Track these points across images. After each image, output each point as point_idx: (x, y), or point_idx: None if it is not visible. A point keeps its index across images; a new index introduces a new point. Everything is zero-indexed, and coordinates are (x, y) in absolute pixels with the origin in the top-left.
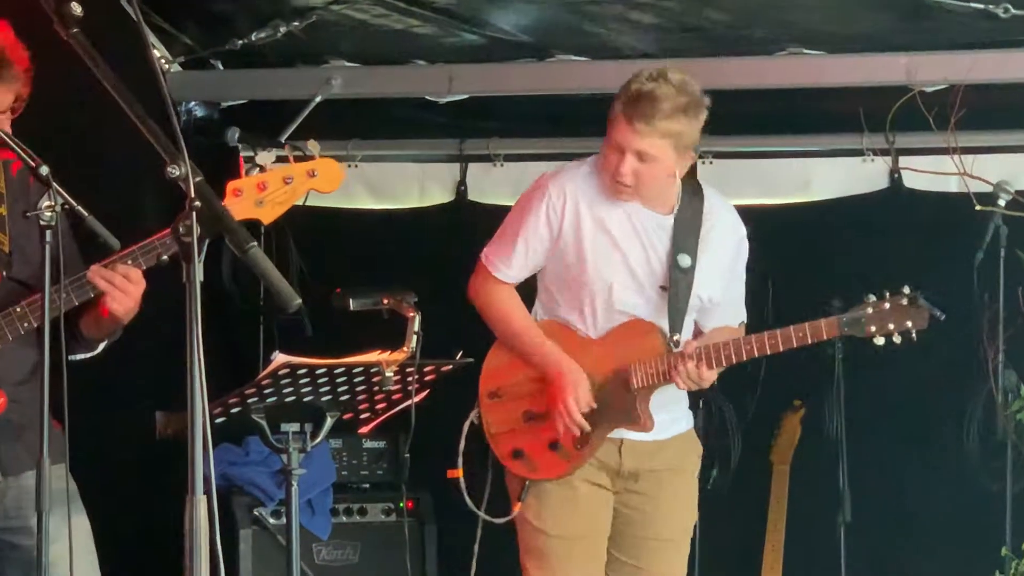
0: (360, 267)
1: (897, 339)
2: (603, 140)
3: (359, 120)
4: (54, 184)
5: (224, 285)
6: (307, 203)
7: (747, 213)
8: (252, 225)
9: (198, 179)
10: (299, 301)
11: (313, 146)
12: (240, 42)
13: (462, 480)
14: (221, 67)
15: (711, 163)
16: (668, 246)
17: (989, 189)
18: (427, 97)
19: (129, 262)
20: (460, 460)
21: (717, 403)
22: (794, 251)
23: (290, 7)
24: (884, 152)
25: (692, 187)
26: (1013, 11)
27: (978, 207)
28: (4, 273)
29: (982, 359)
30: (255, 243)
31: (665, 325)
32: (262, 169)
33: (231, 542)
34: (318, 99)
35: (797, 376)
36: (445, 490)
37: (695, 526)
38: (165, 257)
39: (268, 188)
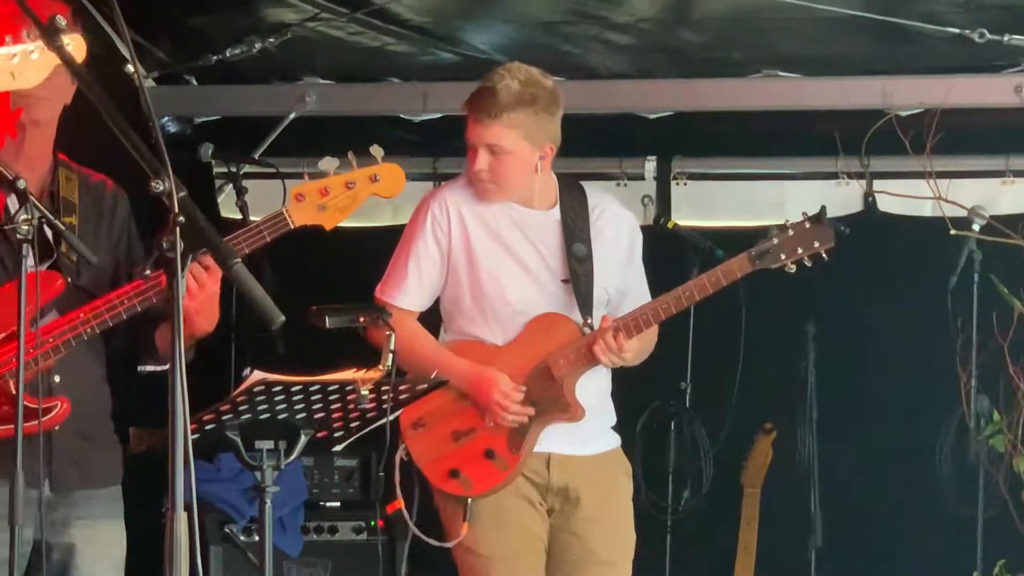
0: (332, 285)
1: (808, 262)
2: None
3: (333, 137)
4: (31, 198)
5: None
6: None
7: (721, 234)
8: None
9: (182, 194)
10: (283, 318)
11: (376, 151)
12: (215, 58)
13: (404, 511)
14: (195, 83)
15: (686, 184)
16: (559, 239)
17: (963, 214)
18: (401, 115)
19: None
20: (398, 491)
21: (689, 426)
22: (768, 274)
23: (265, 23)
24: (859, 175)
25: (569, 183)
26: (989, 36)
27: (953, 232)
28: (70, 280)
29: (955, 384)
30: (239, 259)
31: (576, 315)
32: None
33: (201, 559)
34: (292, 116)
35: (769, 399)
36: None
37: (665, 548)
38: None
39: (330, 193)
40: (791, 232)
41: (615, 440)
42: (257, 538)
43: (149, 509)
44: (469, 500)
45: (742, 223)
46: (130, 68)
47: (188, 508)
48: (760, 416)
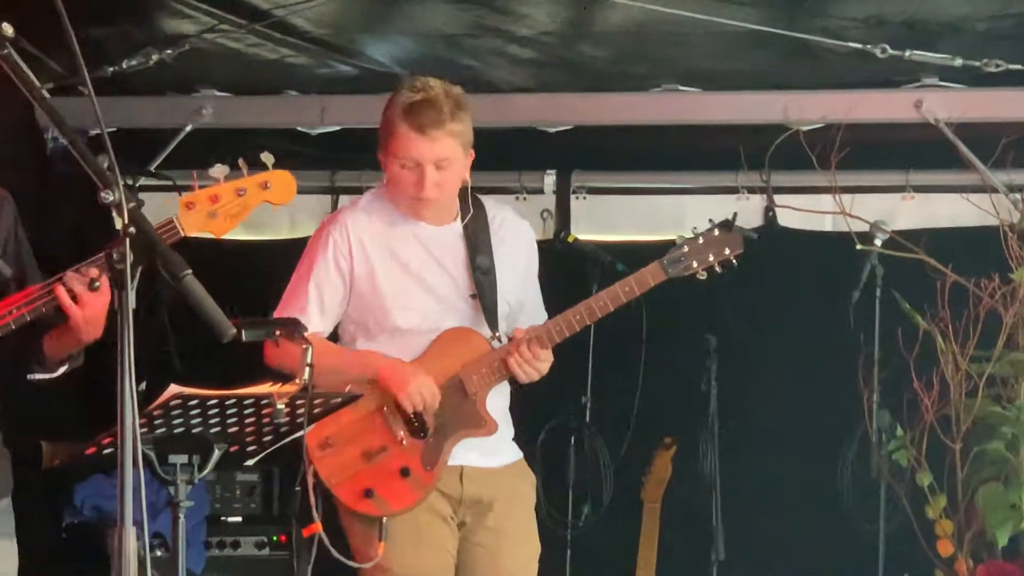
0: (230, 298)
1: (719, 269)
2: (387, 166)
3: (230, 150)
4: None
5: None
6: None
7: (621, 248)
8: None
9: (131, 205)
10: (234, 331)
11: (267, 158)
12: (111, 69)
13: (323, 534)
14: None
15: (585, 198)
16: (464, 253)
17: (866, 228)
18: (299, 128)
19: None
20: (315, 515)
21: (590, 441)
22: (668, 288)
23: (163, 35)
24: (760, 190)
25: (465, 195)
26: (891, 51)
27: (859, 246)
28: None
29: (858, 399)
30: (189, 271)
31: (484, 329)
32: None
33: (103, 575)
34: (188, 128)
35: (671, 414)
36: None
37: (566, 562)
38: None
39: (221, 200)
40: (701, 240)
41: (519, 452)
42: (159, 553)
43: (47, 524)
44: (384, 519)
45: (642, 237)
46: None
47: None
48: (661, 430)
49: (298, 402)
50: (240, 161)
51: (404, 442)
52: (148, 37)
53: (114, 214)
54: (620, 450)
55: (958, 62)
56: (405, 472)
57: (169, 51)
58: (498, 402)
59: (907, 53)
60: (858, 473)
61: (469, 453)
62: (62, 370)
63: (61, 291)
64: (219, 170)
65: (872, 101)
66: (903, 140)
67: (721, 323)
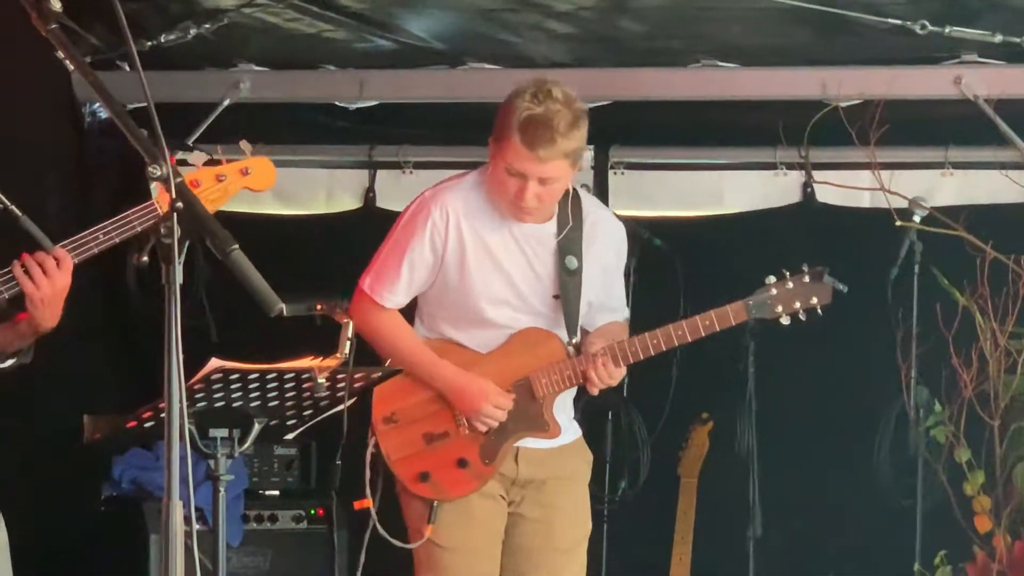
0: (266, 273)
1: (803, 316)
2: (493, 160)
3: (267, 124)
4: None
5: (128, 289)
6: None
7: (659, 225)
8: None
9: (179, 180)
10: (282, 305)
11: (245, 146)
12: (148, 44)
13: (373, 510)
14: (128, 69)
15: (623, 174)
16: (554, 253)
17: (904, 205)
18: (337, 102)
19: (100, 236)
20: (368, 490)
21: (627, 415)
22: (706, 264)
23: (201, 9)
24: (799, 166)
25: (567, 200)
26: (930, 28)
27: (898, 222)
28: None
29: (895, 375)
30: (236, 246)
31: (562, 333)
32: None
33: (142, 548)
34: (226, 103)
35: (708, 389)
36: (356, 497)
37: (603, 538)
38: (139, 228)
39: (201, 186)
40: (790, 285)
41: (577, 431)
42: (198, 526)
43: (88, 496)
44: (435, 503)
45: (680, 213)
46: (60, 54)
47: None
48: (698, 406)
49: (339, 376)
50: (219, 148)
51: (466, 432)
52: (186, 11)
53: (152, 188)
54: (657, 425)
55: (998, 38)
56: (463, 463)
57: (207, 25)
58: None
59: (947, 29)
60: (896, 449)
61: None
62: (9, 363)
63: (19, 271)
64: (197, 156)
65: (911, 77)
66: (942, 116)
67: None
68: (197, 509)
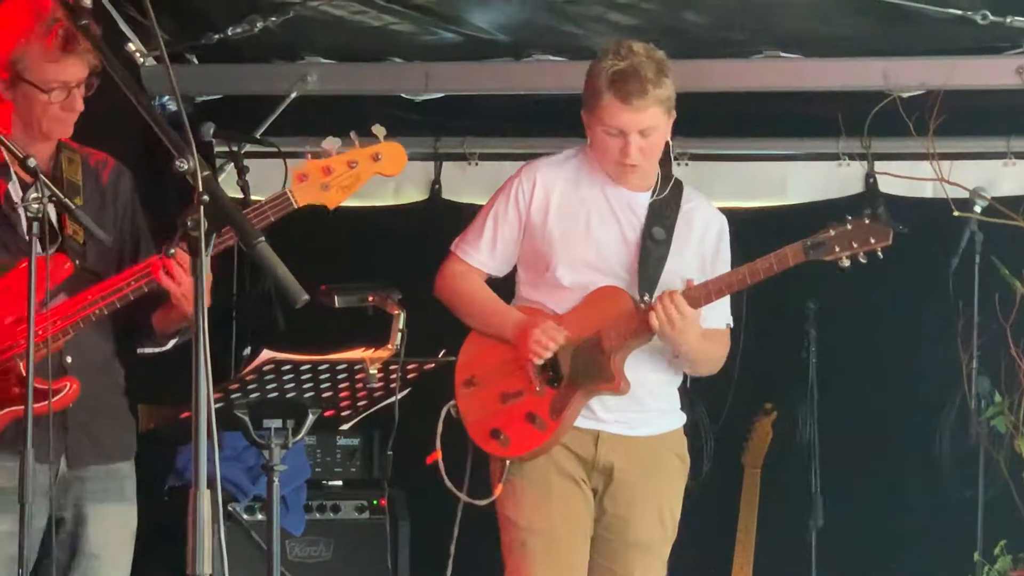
0: (333, 265)
1: (863, 259)
2: (591, 131)
3: (334, 117)
4: (41, 175)
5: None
6: None
7: (723, 215)
8: None
9: (206, 173)
10: (307, 296)
11: (378, 130)
12: (216, 36)
13: (440, 463)
14: (196, 62)
15: (687, 164)
16: (643, 222)
17: (965, 195)
18: (403, 95)
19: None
20: (438, 443)
21: (691, 407)
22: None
23: (267, 2)
24: (860, 156)
25: (668, 175)
26: (991, 17)
27: (956, 213)
28: (78, 263)
29: (957, 365)
30: (263, 238)
31: (635, 293)
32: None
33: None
34: (293, 95)
35: (770, 380)
36: (418, 487)
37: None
38: (272, 219)
39: (333, 172)
40: (849, 226)
41: (672, 423)
42: (260, 516)
43: (151, 486)
44: (507, 462)
45: (743, 204)
46: (131, 46)
47: (212, 486)
48: (761, 396)
49: (391, 367)
50: (352, 134)
51: (538, 389)
52: (253, 5)
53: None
54: (721, 416)
55: None
56: (531, 418)
57: (274, 18)
58: (653, 370)
59: (1008, 19)
60: (957, 439)
61: (611, 421)
62: (172, 343)
63: (158, 268)
64: (331, 142)
65: (973, 67)
66: (1004, 106)
67: (822, 289)
68: (259, 499)
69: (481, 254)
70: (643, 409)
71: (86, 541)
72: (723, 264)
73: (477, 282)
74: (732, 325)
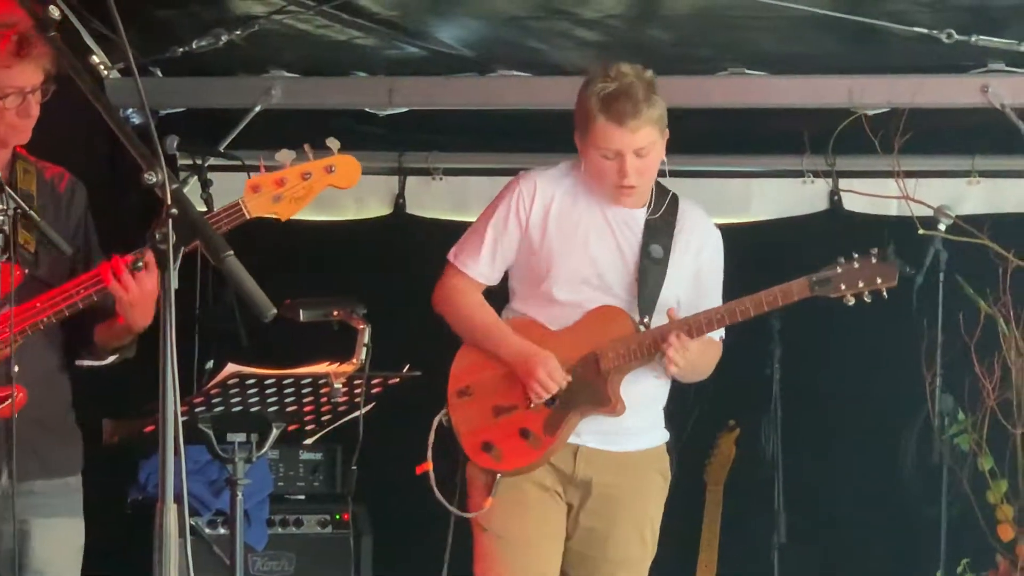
0: (297, 279)
1: (867, 298)
2: (585, 155)
3: (298, 130)
4: (6, 188)
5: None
6: None
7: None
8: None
9: (175, 186)
10: (275, 310)
11: (332, 143)
12: (180, 50)
13: (431, 474)
14: (160, 74)
15: None
16: (640, 239)
17: (930, 213)
18: (367, 109)
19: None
20: (429, 454)
21: None
22: (732, 271)
23: (232, 16)
24: (825, 174)
25: (663, 190)
26: (957, 36)
27: (921, 231)
28: (28, 271)
29: (920, 383)
30: (231, 252)
31: (635, 314)
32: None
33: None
34: (258, 109)
35: (734, 397)
36: (381, 502)
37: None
38: (226, 229)
39: (286, 184)
40: (856, 264)
41: (655, 439)
42: (222, 530)
43: (114, 499)
44: (498, 475)
45: None
46: (95, 59)
47: (178, 500)
48: (724, 413)
49: (355, 382)
50: (306, 146)
51: (532, 405)
52: (218, 18)
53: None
54: (684, 432)
55: None
56: (525, 433)
57: (239, 32)
58: (639, 388)
59: (973, 38)
60: (920, 457)
61: (589, 434)
62: (111, 359)
63: (108, 274)
64: (285, 155)
65: (938, 86)
66: (969, 125)
67: (785, 306)
68: (221, 513)
69: (481, 266)
70: (625, 425)
71: (31, 556)
72: (716, 279)
73: (477, 299)
74: (723, 338)
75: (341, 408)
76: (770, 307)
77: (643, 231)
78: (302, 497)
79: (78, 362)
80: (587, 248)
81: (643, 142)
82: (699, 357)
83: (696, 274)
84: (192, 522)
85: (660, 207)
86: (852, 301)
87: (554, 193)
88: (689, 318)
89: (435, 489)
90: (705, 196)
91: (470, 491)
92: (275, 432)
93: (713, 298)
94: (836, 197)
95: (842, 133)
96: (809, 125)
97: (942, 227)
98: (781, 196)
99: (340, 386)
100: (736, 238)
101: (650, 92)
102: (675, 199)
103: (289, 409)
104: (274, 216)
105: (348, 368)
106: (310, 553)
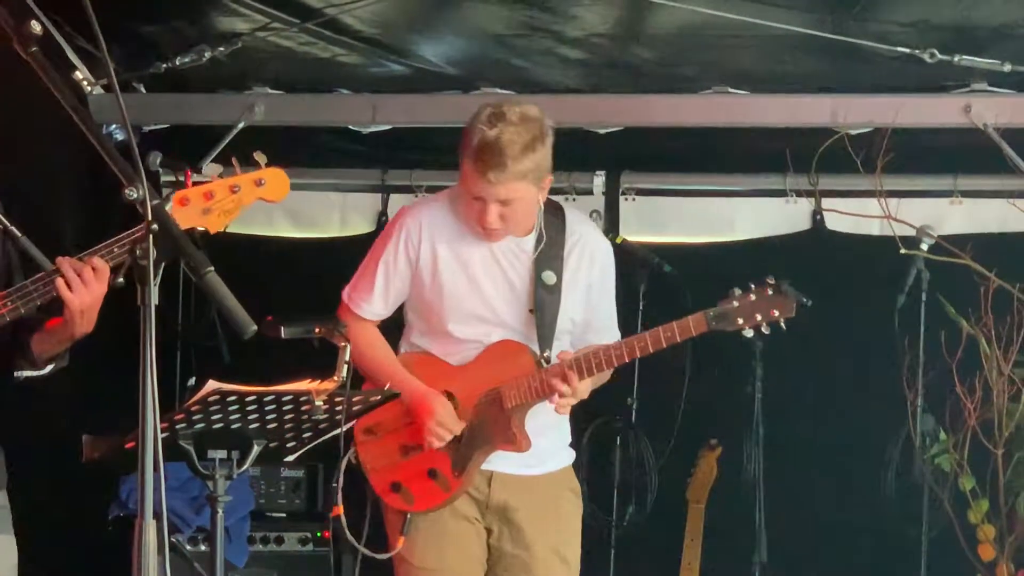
0: (279, 296)
1: (765, 329)
2: (460, 183)
3: (281, 147)
4: None
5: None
6: (227, 229)
7: (669, 251)
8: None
9: (155, 202)
10: (255, 327)
11: (260, 157)
12: (164, 66)
13: (343, 518)
14: (144, 91)
15: (634, 200)
16: (531, 267)
17: (912, 233)
18: (350, 126)
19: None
20: (339, 497)
21: (635, 441)
22: (716, 290)
23: (216, 32)
24: (808, 193)
25: (553, 206)
26: (939, 56)
27: (903, 251)
28: None
29: (902, 403)
30: (211, 268)
31: (535, 346)
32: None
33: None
34: (241, 125)
35: (716, 415)
36: (362, 520)
37: (610, 562)
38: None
39: (215, 197)
40: (753, 296)
41: (564, 459)
42: (203, 547)
43: (95, 516)
44: (408, 514)
45: (691, 239)
46: (79, 75)
47: (157, 516)
48: (706, 432)
49: (337, 400)
50: (233, 159)
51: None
52: (201, 35)
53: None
54: (665, 451)
55: (1007, 67)
56: (433, 474)
57: (222, 48)
58: (544, 414)
59: (955, 58)
60: (901, 477)
61: (501, 460)
62: (49, 368)
63: (59, 280)
64: (212, 168)
65: (920, 105)
66: (951, 145)
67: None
68: (203, 529)
69: (374, 305)
70: (537, 448)
71: None
72: (608, 292)
73: (372, 336)
74: (619, 339)
75: (322, 426)
76: (668, 343)
77: (533, 259)
78: (283, 514)
79: (16, 373)
80: (478, 285)
81: (506, 195)
82: (589, 388)
83: (588, 290)
84: (173, 539)
85: (549, 228)
86: (751, 334)
87: (441, 230)
88: (584, 357)
89: (347, 534)
90: (688, 215)
91: (386, 528)
92: (256, 449)
93: (603, 314)
94: (819, 216)
95: (825, 152)
96: (792, 144)
97: (924, 247)
98: (764, 215)
99: (321, 403)
100: (719, 257)
101: (527, 148)
102: (561, 214)
103: (270, 426)
104: (203, 228)
105: (329, 385)
106: (291, 570)
